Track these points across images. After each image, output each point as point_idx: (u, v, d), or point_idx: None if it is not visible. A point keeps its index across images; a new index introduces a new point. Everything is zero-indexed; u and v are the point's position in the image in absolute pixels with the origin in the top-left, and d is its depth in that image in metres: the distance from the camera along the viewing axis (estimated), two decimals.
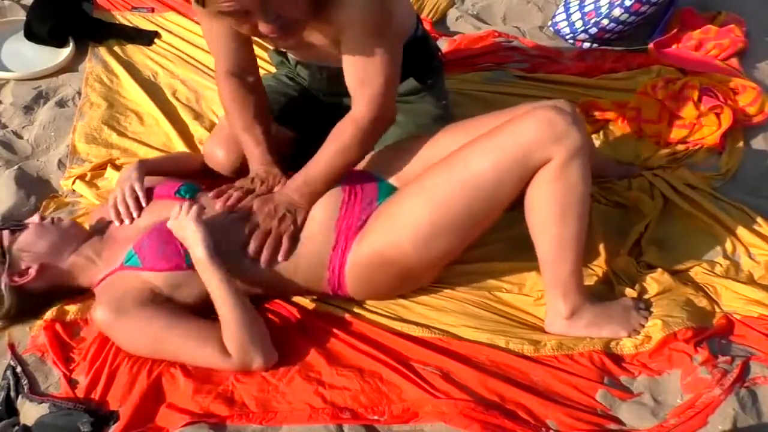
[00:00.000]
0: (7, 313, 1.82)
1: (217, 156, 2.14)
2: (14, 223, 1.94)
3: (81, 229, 1.96)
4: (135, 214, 1.90)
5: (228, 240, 1.81)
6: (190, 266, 1.76)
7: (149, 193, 1.93)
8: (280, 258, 1.82)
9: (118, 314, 1.72)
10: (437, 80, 2.30)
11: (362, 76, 1.82)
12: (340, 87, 1.90)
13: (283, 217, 1.84)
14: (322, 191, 1.87)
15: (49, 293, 1.87)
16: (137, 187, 1.92)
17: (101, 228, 1.95)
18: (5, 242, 1.84)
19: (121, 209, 1.91)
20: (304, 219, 1.86)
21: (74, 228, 1.93)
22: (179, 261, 1.77)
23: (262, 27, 1.66)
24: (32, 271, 1.82)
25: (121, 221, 1.90)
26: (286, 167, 2.00)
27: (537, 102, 1.91)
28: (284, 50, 2.23)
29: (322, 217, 1.85)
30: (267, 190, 1.92)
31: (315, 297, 1.91)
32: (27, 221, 1.92)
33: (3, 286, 1.79)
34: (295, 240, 1.84)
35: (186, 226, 1.74)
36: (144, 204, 1.91)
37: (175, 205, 1.78)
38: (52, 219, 1.92)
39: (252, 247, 1.82)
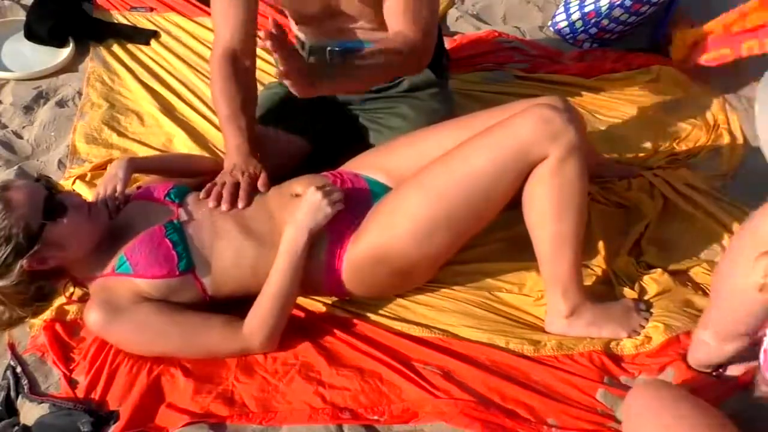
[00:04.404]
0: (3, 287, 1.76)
1: None
2: (57, 203, 1.75)
3: (106, 221, 1.85)
4: (112, 216, 1.87)
5: (220, 244, 1.79)
6: (183, 272, 1.75)
7: (146, 193, 1.91)
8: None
9: (114, 314, 1.72)
10: (446, 79, 2.31)
11: (411, 12, 1.82)
12: None
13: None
14: (339, 80, 1.78)
15: (47, 276, 1.83)
16: (119, 188, 1.90)
17: None
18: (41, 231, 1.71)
19: (101, 209, 1.88)
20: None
21: (106, 222, 1.82)
22: (171, 268, 1.75)
23: None
24: (51, 263, 1.77)
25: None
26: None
27: (531, 99, 1.91)
28: (298, 35, 2.21)
29: None
30: (251, 179, 1.89)
31: (314, 297, 1.91)
32: (67, 199, 1.78)
33: (18, 267, 1.71)
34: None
35: (322, 209, 1.76)
36: (121, 206, 1.88)
37: (311, 185, 1.81)
38: (90, 208, 1.79)
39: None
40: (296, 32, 2.23)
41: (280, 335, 1.77)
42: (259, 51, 2.17)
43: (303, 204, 1.79)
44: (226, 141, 2.00)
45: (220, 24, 2.02)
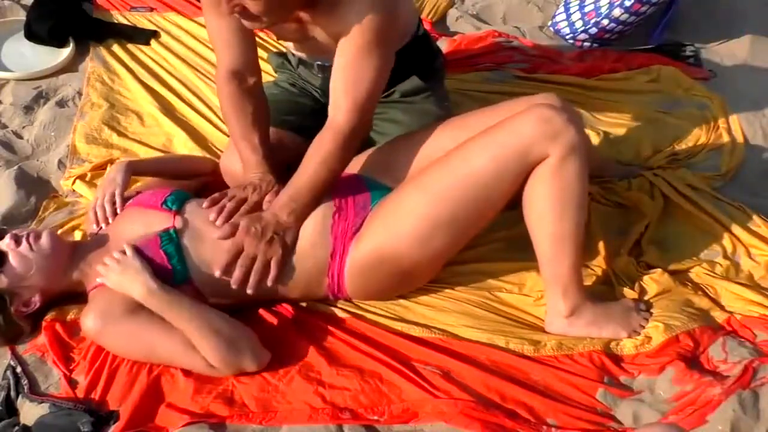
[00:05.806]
0: (16, 337, 1.81)
1: (237, 170, 2.04)
2: None
3: (62, 242, 1.86)
4: (110, 220, 1.87)
5: (219, 254, 1.78)
6: (179, 284, 1.74)
7: (144, 199, 1.90)
8: (268, 283, 1.78)
9: (107, 323, 1.70)
10: (440, 81, 2.30)
11: (351, 80, 1.81)
12: None
13: (271, 240, 1.78)
14: (311, 205, 1.83)
15: (51, 303, 1.85)
16: (117, 193, 1.90)
17: (93, 232, 1.92)
18: None
19: (99, 214, 1.89)
20: (295, 239, 1.81)
21: (57, 244, 1.81)
22: (166, 281, 1.73)
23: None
24: (36, 300, 1.79)
25: (98, 225, 1.89)
26: (288, 174, 1.97)
27: (529, 97, 1.91)
28: (285, 45, 2.22)
29: (315, 227, 1.82)
30: (259, 197, 1.88)
31: (316, 298, 1.91)
32: (3, 243, 1.77)
33: (17, 320, 1.77)
34: (285, 263, 1.80)
35: (122, 281, 1.69)
36: (119, 210, 1.88)
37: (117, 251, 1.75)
38: (28, 240, 1.77)
39: (236, 275, 1.76)
40: (285, 45, 2.24)
41: (259, 348, 1.72)
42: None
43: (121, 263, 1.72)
44: (241, 158, 1.97)
45: (218, 47, 2.00)
